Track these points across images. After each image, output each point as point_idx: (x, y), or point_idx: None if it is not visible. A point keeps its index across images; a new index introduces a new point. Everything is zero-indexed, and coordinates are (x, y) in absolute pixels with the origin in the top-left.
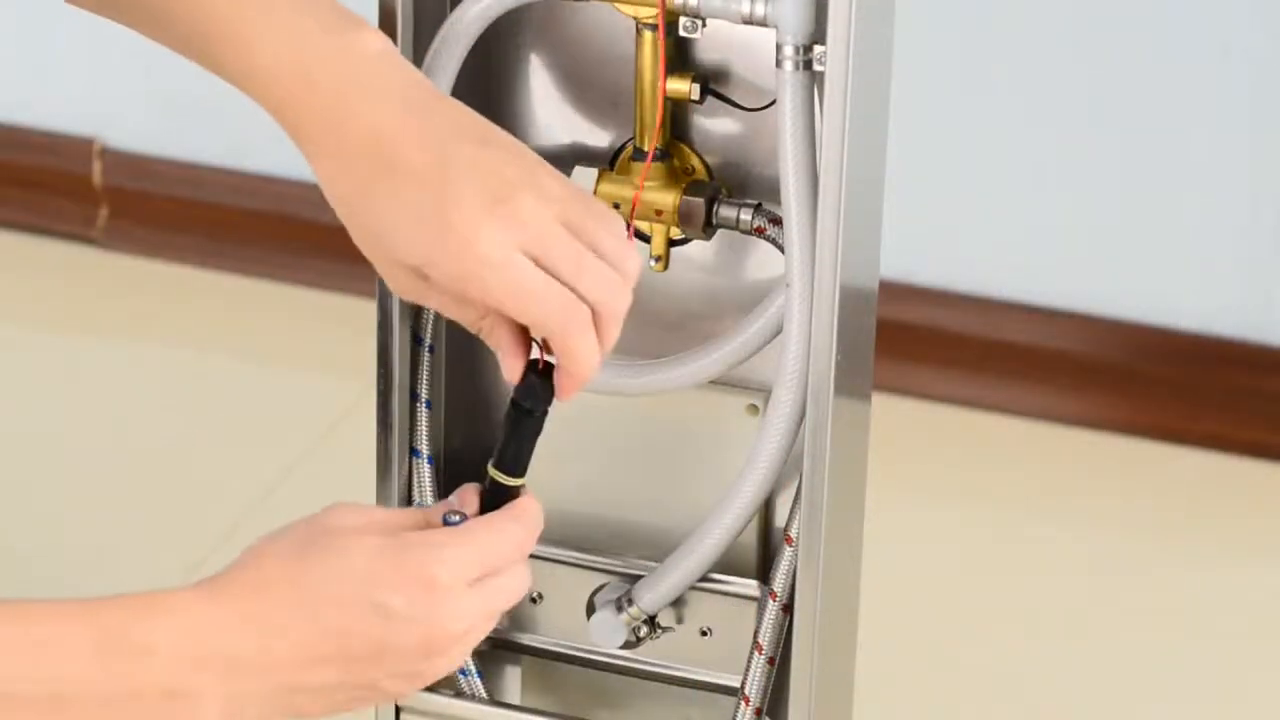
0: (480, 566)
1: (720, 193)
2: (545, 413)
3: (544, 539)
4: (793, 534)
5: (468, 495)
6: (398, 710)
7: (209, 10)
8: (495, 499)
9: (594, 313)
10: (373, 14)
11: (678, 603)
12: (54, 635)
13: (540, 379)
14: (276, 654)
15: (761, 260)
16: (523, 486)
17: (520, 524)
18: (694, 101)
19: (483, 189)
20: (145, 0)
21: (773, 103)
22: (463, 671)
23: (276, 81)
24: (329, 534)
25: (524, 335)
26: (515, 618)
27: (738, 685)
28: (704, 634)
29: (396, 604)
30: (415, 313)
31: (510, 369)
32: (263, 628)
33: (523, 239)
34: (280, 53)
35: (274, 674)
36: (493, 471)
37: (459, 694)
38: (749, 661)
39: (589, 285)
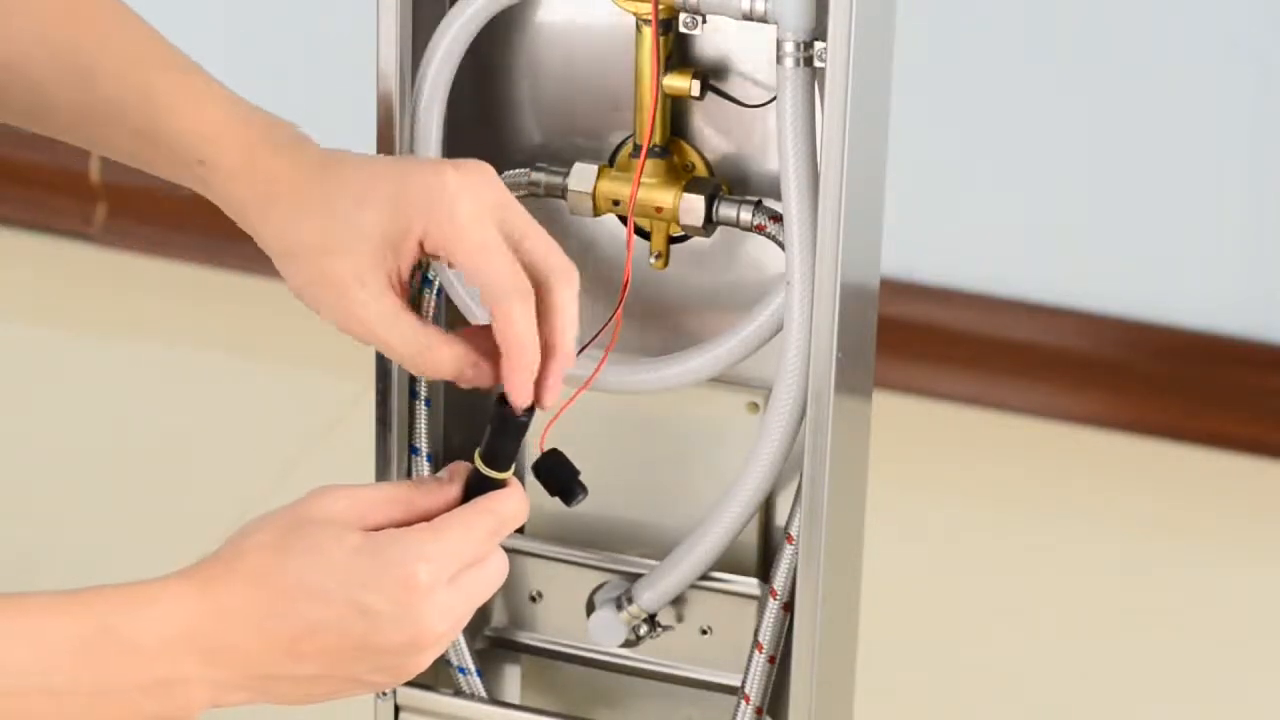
0: (458, 561)
1: (720, 190)
2: (530, 418)
3: (544, 537)
4: (793, 532)
5: (457, 471)
6: (397, 710)
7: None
8: (481, 486)
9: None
10: (371, 10)
11: (678, 601)
12: (43, 629)
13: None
14: (257, 646)
15: (762, 257)
16: (508, 479)
17: (495, 515)
18: (694, 98)
19: (428, 160)
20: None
21: (773, 99)
22: (462, 670)
23: (221, 146)
24: (310, 526)
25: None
26: (515, 616)
27: (738, 684)
28: (704, 633)
29: (378, 605)
30: (415, 309)
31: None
32: (244, 620)
33: (492, 200)
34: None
35: (255, 664)
36: (478, 463)
37: (459, 693)
38: (749, 660)
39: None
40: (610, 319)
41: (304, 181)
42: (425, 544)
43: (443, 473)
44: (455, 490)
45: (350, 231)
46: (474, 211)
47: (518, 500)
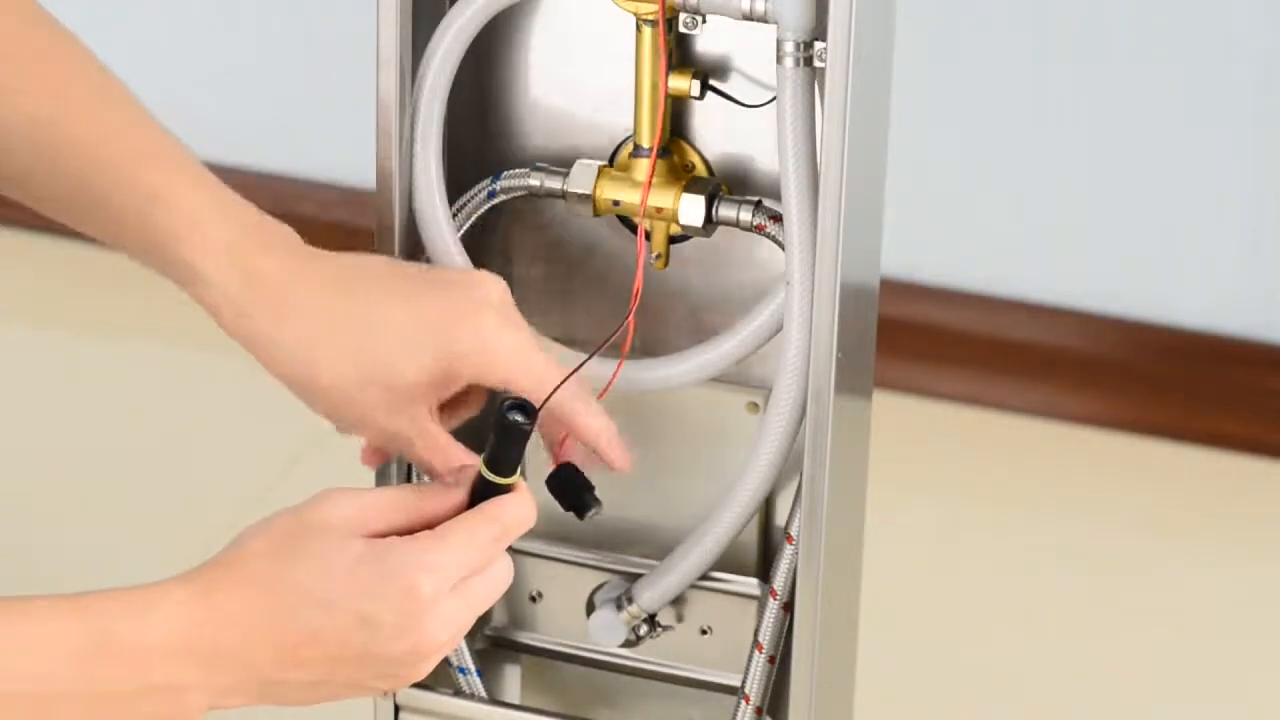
0: (460, 570)
1: (720, 190)
2: (532, 425)
3: (544, 538)
4: (793, 532)
5: (463, 476)
6: (397, 709)
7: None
8: (487, 491)
9: None
10: (372, 9)
11: (678, 601)
12: (42, 634)
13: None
14: (257, 652)
15: (762, 257)
16: (515, 484)
17: (499, 523)
18: (694, 98)
19: (452, 287)
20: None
21: (773, 99)
22: (462, 670)
23: (224, 260)
24: (313, 532)
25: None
26: (515, 616)
27: (738, 684)
28: (704, 633)
29: (381, 615)
30: None
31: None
32: (246, 627)
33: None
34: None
35: (255, 670)
36: (484, 470)
37: (459, 693)
38: (749, 660)
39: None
40: (621, 325)
41: (321, 309)
42: (427, 553)
43: (449, 477)
44: (461, 495)
45: (390, 379)
46: (515, 340)
47: (523, 506)
